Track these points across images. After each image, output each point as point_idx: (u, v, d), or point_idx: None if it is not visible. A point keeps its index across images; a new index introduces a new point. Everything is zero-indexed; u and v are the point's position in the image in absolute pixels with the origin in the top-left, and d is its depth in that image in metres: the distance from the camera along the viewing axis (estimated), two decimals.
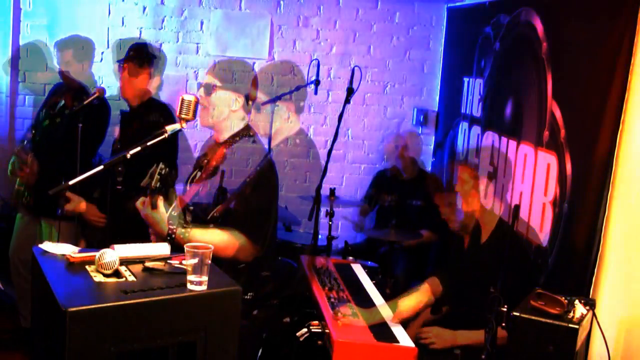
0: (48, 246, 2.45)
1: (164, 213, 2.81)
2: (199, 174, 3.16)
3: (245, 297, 2.92)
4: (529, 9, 3.69)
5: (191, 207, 3.09)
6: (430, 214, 4.87)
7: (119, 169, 2.63)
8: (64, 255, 2.38)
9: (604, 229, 2.83)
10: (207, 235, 2.84)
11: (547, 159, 3.33)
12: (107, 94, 3.98)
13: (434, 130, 5.49)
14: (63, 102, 4.14)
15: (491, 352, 2.53)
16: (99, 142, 4.16)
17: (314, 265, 3.62)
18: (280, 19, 5.33)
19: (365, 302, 3.23)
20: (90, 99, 3.74)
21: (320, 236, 3.85)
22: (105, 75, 5.19)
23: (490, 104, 4.26)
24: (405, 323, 3.27)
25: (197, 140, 5.09)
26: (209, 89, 3.05)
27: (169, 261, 2.38)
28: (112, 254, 2.27)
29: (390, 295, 3.88)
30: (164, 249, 2.48)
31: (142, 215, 2.83)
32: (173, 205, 2.94)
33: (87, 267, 2.30)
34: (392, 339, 2.83)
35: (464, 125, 4.76)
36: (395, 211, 4.86)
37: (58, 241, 3.96)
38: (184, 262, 2.28)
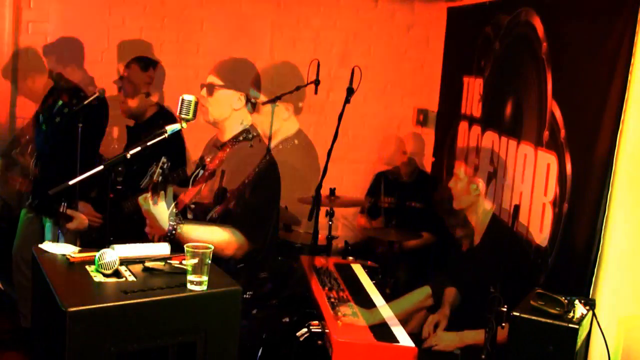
0: (48, 246, 2.45)
1: (165, 210, 2.80)
2: (201, 172, 3.16)
3: (244, 296, 2.92)
4: (529, 9, 3.69)
5: (192, 207, 3.09)
6: (430, 216, 4.88)
7: (119, 169, 2.63)
8: (64, 255, 2.38)
9: (604, 229, 2.83)
10: (201, 232, 2.83)
11: (547, 159, 3.33)
12: (107, 94, 3.98)
13: (434, 131, 5.49)
14: (61, 102, 4.15)
15: (491, 352, 2.53)
16: (100, 141, 4.16)
17: (314, 265, 3.62)
18: (280, 19, 5.32)
19: (365, 302, 3.23)
20: (90, 99, 3.75)
21: (320, 236, 3.85)
22: (105, 75, 5.18)
23: (490, 104, 4.26)
24: (407, 320, 3.28)
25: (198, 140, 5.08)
26: (211, 89, 3.05)
27: (169, 261, 2.38)
28: (112, 254, 2.27)
29: (390, 295, 3.89)
30: (164, 249, 2.48)
31: (143, 211, 2.82)
32: (174, 203, 2.94)
33: (87, 267, 2.30)
34: (392, 339, 2.83)
35: (464, 126, 4.76)
36: (395, 212, 4.86)
37: (59, 240, 3.99)
38: (184, 262, 2.28)
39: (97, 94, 3.74)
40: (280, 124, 4.33)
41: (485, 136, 4.26)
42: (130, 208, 3.89)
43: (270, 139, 3.90)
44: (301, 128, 4.78)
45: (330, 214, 4.36)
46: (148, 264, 2.35)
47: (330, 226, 4.37)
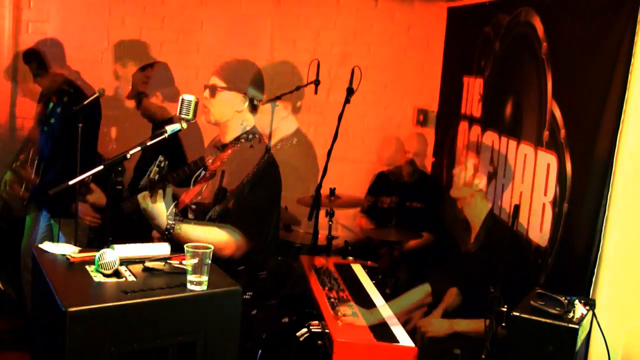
0: (48, 246, 2.45)
1: (163, 209, 2.80)
2: (202, 173, 3.16)
3: (244, 296, 2.92)
4: (529, 9, 3.69)
5: (193, 206, 3.09)
6: (430, 216, 4.88)
7: (119, 168, 2.63)
8: (64, 255, 2.38)
9: (604, 229, 2.83)
10: (199, 232, 2.83)
11: (547, 159, 3.33)
12: (105, 95, 3.99)
13: (434, 131, 5.49)
14: (51, 104, 4.17)
15: (491, 352, 2.53)
16: (95, 141, 4.18)
17: (314, 265, 3.62)
18: (280, 19, 5.32)
19: (365, 302, 3.23)
20: (90, 99, 3.75)
21: (320, 236, 3.85)
22: (105, 76, 5.19)
23: (490, 104, 4.26)
24: (407, 320, 3.29)
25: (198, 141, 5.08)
26: (214, 91, 3.05)
27: (169, 261, 2.38)
28: (112, 254, 2.27)
29: (390, 295, 3.89)
30: (164, 249, 2.48)
31: (142, 208, 2.82)
32: (175, 202, 2.94)
33: (87, 267, 2.30)
34: (392, 339, 2.83)
35: (464, 125, 4.76)
36: (396, 212, 4.86)
37: (59, 239, 4.01)
38: (184, 262, 2.28)
39: (96, 94, 3.73)
40: (278, 123, 4.34)
41: (485, 136, 4.26)
42: (130, 208, 3.89)
43: (270, 138, 3.90)
44: (300, 128, 4.78)
45: (330, 214, 4.36)
46: (148, 264, 2.35)
47: (330, 226, 4.36)
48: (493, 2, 4.38)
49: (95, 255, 2.27)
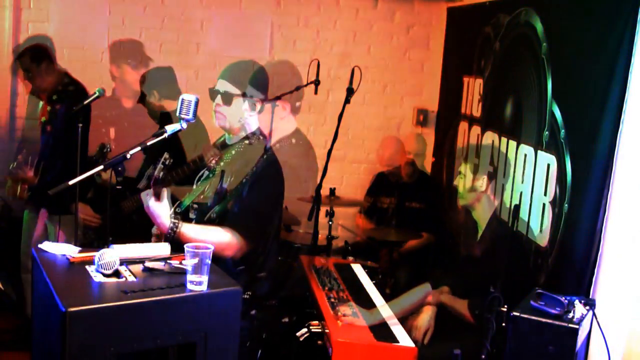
0: (48, 246, 2.45)
1: (167, 207, 2.79)
2: (206, 173, 3.16)
3: (243, 296, 2.92)
4: (529, 9, 3.69)
5: (195, 206, 3.09)
6: (430, 216, 4.89)
7: (119, 169, 2.63)
8: (64, 255, 2.38)
9: (604, 229, 2.83)
10: (201, 232, 2.83)
11: (547, 159, 3.33)
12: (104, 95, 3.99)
13: (434, 131, 5.49)
14: (41, 103, 4.17)
15: (491, 352, 2.53)
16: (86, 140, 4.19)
17: (314, 265, 3.62)
18: (280, 19, 5.33)
19: (365, 302, 3.23)
20: (90, 99, 3.75)
21: (320, 236, 3.85)
22: (105, 76, 5.19)
23: (490, 104, 4.26)
24: (406, 319, 3.29)
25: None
26: (229, 99, 3.01)
27: (169, 261, 2.38)
28: (112, 254, 2.27)
29: (390, 295, 3.89)
30: (164, 249, 2.48)
31: (145, 206, 2.81)
32: (178, 202, 2.94)
33: (87, 267, 2.30)
34: (392, 339, 2.84)
35: (463, 126, 4.76)
36: (395, 212, 4.86)
37: (58, 237, 4.01)
38: (184, 262, 2.28)
39: (96, 94, 3.73)
40: (277, 123, 4.33)
41: (485, 136, 4.26)
42: (129, 208, 3.90)
43: (270, 138, 3.90)
44: (300, 128, 4.78)
45: (330, 214, 4.36)
46: (148, 264, 2.35)
47: (330, 226, 4.37)
48: (493, 2, 4.38)
49: (95, 255, 2.27)
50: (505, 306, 2.57)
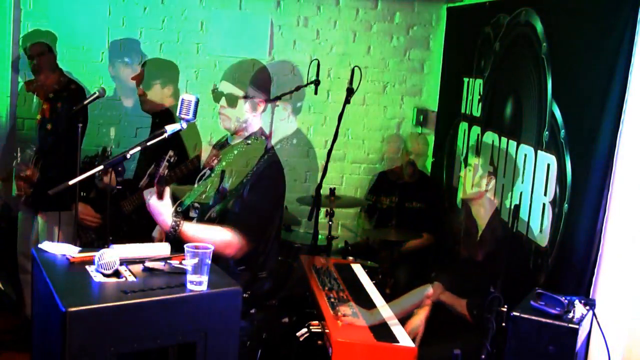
0: (48, 246, 2.45)
1: (170, 205, 2.79)
2: (207, 172, 3.16)
3: (243, 295, 2.92)
4: (529, 9, 3.69)
5: (196, 206, 3.09)
6: (430, 216, 4.89)
7: (119, 169, 2.63)
8: (64, 255, 2.38)
9: (604, 229, 2.83)
10: (202, 231, 2.83)
11: (547, 159, 3.33)
12: (105, 95, 3.99)
13: (434, 131, 5.49)
14: (36, 100, 4.17)
15: (491, 352, 2.53)
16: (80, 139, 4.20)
17: (314, 265, 3.62)
18: (280, 19, 5.33)
19: (365, 302, 3.23)
20: (90, 99, 3.75)
21: (320, 236, 3.85)
22: (105, 76, 5.19)
23: (490, 104, 4.26)
24: (405, 320, 3.29)
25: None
26: (233, 101, 3.00)
27: (169, 261, 2.38)
28: (112, 254, 2.27)
29: (390, 295, 3.89)
30: (164, 249, 2.48)
31: (147, 204, 2.80)
32: (179, 202, 2.93)
33: (87, 267, 2.30)
34: (392, 339, 2.84)
35: (463, 125, 4.76)
36: (396, 212, 4.86)
37: (58, 237, 4.01)
38: (184, 262, 2.28)
39: (96, 94, 3.73)
40: (278, 123, 4.34)
41: (485, 136, 4.26)
42: (129, 208, 3.90)
43: (270, 138, 3.90)
44: (300, 128, 4.79)
45: (330, 214, 4.36)
46: (148, 264, 2.35)
47: (330, 226, 4.37)
48: (493, 2, 4.38)
49: (95, 255, 2.27)
50: (505, 306, 2.57)
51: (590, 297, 2.82)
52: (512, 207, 3.60)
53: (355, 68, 3.62)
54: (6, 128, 5.13)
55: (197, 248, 2.21)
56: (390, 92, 5.51)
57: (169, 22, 5.27)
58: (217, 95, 3.04)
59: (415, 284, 3.88)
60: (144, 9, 5.24)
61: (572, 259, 3.03)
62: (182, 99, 2.72)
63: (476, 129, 4.47)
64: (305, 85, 3.87)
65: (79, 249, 2.44)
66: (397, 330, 2.94)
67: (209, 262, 2.22)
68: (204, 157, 3.34)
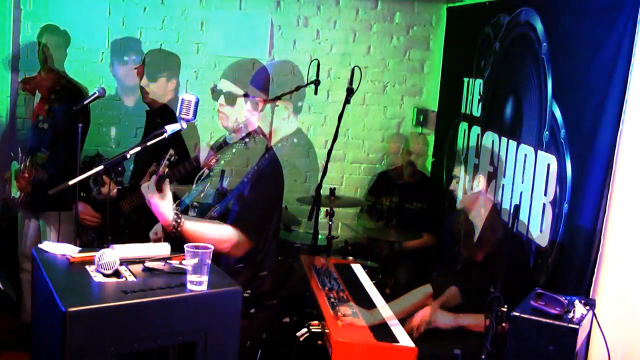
0: (48, 246, 2.45)
1: (170, 197, 2.78)
2: (206, 172, 3.16)
3: (243, 294, 2.92)
4: (529, 9, 3.69)
5: (195, 205, 3.09)
6: (430, 217, 4.89)
7: (119, 168, 2.63)
8: (64, 255, 2.38)
9: (604, 229, 2.83)
10: (201, 225, 2.82)
11: (547, 159, 3.33)
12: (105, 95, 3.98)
13: (434, 131, 5.49)
14: (32, 98, 4.17)
15: (491, 352, 2.53)
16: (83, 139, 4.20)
17: (314, 265, 3.62)
18: (280, 19, 5.33)
19: (365, 302, 3.23)
20: (90, 99, 3.74)
21: (320, 236, 3.85)
22: (105, 76, 5.19)
23: (490, 104, 4.26)
24: (405, 320, 3.29)
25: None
26: (232, 99, 3.00)
27: (169, 261, 2.38)
28: (112, 254, 2.27)
29: (390, 295, 3.89)
30: (164, 249, 2.48)
31: (147, 199, 2.79)
32: (178, 201, 2.93)
33: (87, 267, 2.30)
34: (392, 339, 2.83)
35: (463, 125, 4.76)
36: (396, 213, 4.86)
37: (58, 237, 4.01)
38: (184, 262, 2.28)
39: (96, 94, 3.73)
40: (278, 123, 4.32)
41: (485, 136, 4.26)
42: (129, 207, 3.90)
43: (270, 138, 3.90)
44: (301, 128, 4.78)
45: (330, 214, 4.36)
46: (148, 264, 2.35)
47: (330, 226, 4.36)
48: (493, 2, 4.38)
49: (95, 255, 2.27)
50: (505, 306, 2.57)
51: (590, 297, 2.82)
52: (512, 207, 3.60)
53: (355, 68, 3.61)
54: (6, 128, 5.13)
55: (197, 248, 2.21)
56: (390, 92, 5.51)
57: (169, 22, 5.27)
58: (216, 93, 3.04)
59: (415, 284, 3.88)
60: (144, 9, 5.24)
61: (572, 259, 3.03)
62: (182, 99, 2.72)
63: (476, 129, 4.47)
64: (305, 85, 3.86)
65: (79, 249, 2.44)
66: (397, 330, 2.94)
67: (209, 262, 2.22)
68: (202, 157, 3.35)
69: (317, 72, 3.78)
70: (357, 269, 3.81)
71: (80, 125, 3.63)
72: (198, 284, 2.19)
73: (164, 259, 2.39)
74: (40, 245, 2.45)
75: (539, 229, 3.37)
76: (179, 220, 2.76)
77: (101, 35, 5.15)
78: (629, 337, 2.74)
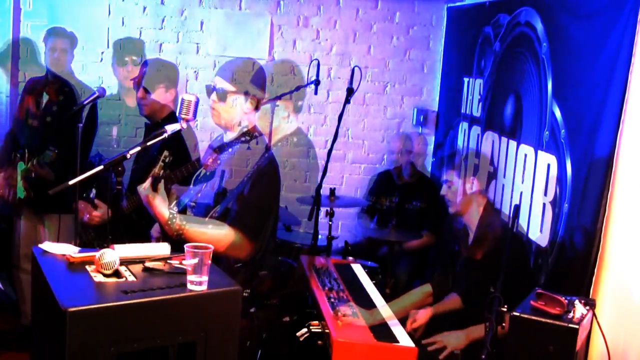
0: (48, 246, 2.44)
1: (165, 195, 2.78)
2: (203, 172, 3.16)
3: (242, 294, 2.92)
4: (529, 8, 3.69)
5: (193, 205, 3.09)
6: (430, 217, 4.88)
7: (119, 168, 2.63)
8: (64, 255, 2.38)
9: (604, 229, 2.83)
10: (198, 224, 2.82)
11: (547, 159, 3.33)
12: (106, 94, 3.98)
13: (434, 131, 5.49)
14: (47, 97, 4.16)
15: (491, 352, 2.53)
16: (93, 140, 4.18)
17: (314, 265, 3.62)
18: (280, 19, 5.33)
19: (365, 302, 3.23)
20: (91, 99, 3.74)
21: (320, 236, 3.85)
22: (105, 76, 5.19)
23: (490, 104, 4.26)
24: (405, 320, 3.29)
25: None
26: (224, 96, 3.01)
27: (169, 261, 2.38)
28: (112, 254, 2.27)
29: (390, 295, 3.89)
30: (164, 249, 2.48)
31: (143, 197, 2.80)
32: (176, 201, 2.93)
33: (87, 267, 2.30)
34: (392, 339, 2.83)
35: (464, 125, 4.76)
36: (395, 212, 4.86)
37: (58, 238, 4.01)
38: (184, 262, 2.28)
39: (96, 94, 3.73)
40: (279, 122, 4.33)
41: (485, 136, 4.26)
42: (129, 207, 3.89)
43: (270, 137, 3.90)
44: (301, 127, 4.79)
45: (330, 214, 4.36)
46: (148, 264, 2.35)
47: (330, 226, 4.37)
48: (493, 2, 4.38)
49: (95, 255, 2.27)
50: (505, 306, 2.57)
51: (590, 297, 2.82)
52: (512, 207, 3.59)
53: (356, 68, 3.62)
54: (6, 128, 5.13)
55: (197, 248, 2.21)
56: (391, 92, 5.51)
57: (169, 22, 5.28)
58: (208, 90, 3.05)
59: (415, 284, 3.88)
60: (143, 9, 5.24)
61: (572, 259, 3.03)
62: (182, 99, 2.73)
63: (476, 129, 4.47)
64: (305, 85, 3.87)
65: (79, 249, 2.44)
66: (397, 330, 2.94)
67: (209, 262, 2.22)
68: (201, 156, 3.35)
69: (317, 72, 3.79)
70: (357, 269, 3.81)
71: (80, 125, 3.63)
72: (198, 284, 2.19)
73: (164, 259, 2.39)
74: (40, 245, 2.45)
75: (539, 229, 3.37)
76: (173, 219, 2.77)
77: (101, 36, 5.15)
78: (629, 337, 2.74)
